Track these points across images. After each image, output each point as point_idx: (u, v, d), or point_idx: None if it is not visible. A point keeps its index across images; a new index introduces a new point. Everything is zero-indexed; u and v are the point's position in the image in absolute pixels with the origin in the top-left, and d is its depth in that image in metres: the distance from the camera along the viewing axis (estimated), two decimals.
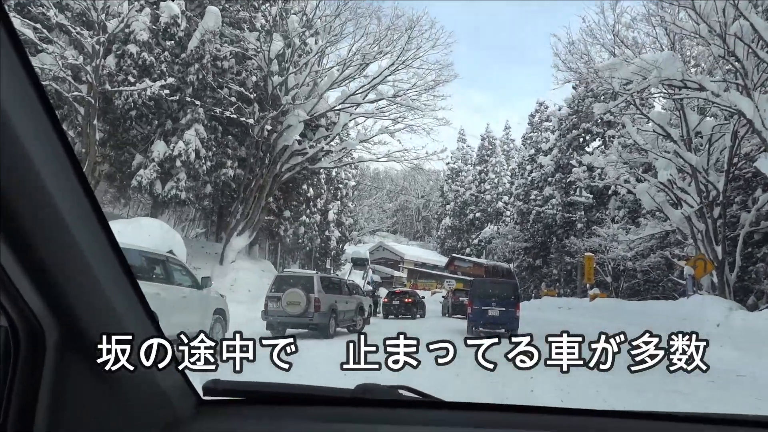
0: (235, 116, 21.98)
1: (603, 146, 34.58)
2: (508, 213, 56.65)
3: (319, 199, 60.00)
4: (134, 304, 1.13)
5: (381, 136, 31.53)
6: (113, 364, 1.05)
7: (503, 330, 14.58)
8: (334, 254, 58.67)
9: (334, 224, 58.99)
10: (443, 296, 34.83)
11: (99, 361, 1.04)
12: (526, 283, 46.24)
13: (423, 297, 29.36)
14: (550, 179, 41.06)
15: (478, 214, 76.76)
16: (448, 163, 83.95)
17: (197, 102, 21.75)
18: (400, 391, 1.47)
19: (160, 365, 1.17)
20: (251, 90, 23.66)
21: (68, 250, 0.92)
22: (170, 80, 19.63)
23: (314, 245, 57.65)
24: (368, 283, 57.86)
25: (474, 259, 58.23)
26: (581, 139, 40.55)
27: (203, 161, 21.66)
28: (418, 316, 26.39)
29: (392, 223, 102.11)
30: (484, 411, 1.45)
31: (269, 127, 24.38)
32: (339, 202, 61.51)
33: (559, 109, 41.74)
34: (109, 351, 1.04)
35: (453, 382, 7.25)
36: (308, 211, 58.46)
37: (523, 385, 7.47)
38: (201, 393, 1.39)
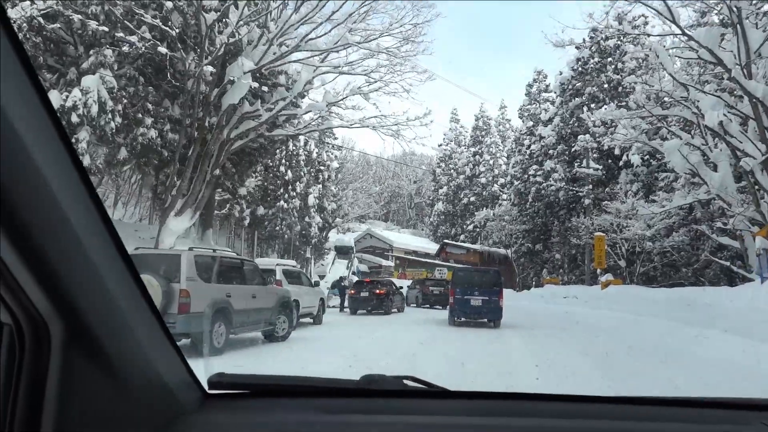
0: (151, 54, 17.01)
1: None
2: (504, 196, 51.84)
3: (298, 183, 55.14)
4: (138, 299, 1.11)
5: (354, 100, 26.58)
6: (118, 360, 1.06)
7: (486, 320, 14.90)
8: (315, 242, 53.90)
9: (315, 209, 54.15)
10: (408, 285, 31.13)
11: (103, 357, 1.04)
12: (525, 270, 41.67)
13: (401, 287, 24.49)
14: (551, 151, 36.28)
15: (472, 199, 72.07)
16: (440, 145, 79.20)
17: (103, 40, 16.84)
18: (406, 381, 1.47)
19: (165, 360, 1.20)
20: (177, 28, 18.69)
21: (71, 247, 0.91)
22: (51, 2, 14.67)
23: (293, 233, 52.87)
24: (353, 273, 53.17)
25: (467, 245, 53.56)
26: (586, 108, 35.71)
27: (110, 116, 16.75)
28: (394, 310, 21.74)
29: (383, 210, 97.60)
30: (490, 399, 1.47)
31: (208, 77, 19.50)
32: (320, 186, 56.69)
33: (560, 74, 36.86)
34: (112, 346, 1.04)
35: (459, 371, 7.62)
36: (286, 195, 53.61)
37: (528, 374, 7.63)
38: (206, 386, 1.37)
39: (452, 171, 76.58)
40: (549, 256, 38.39)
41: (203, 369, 1.42)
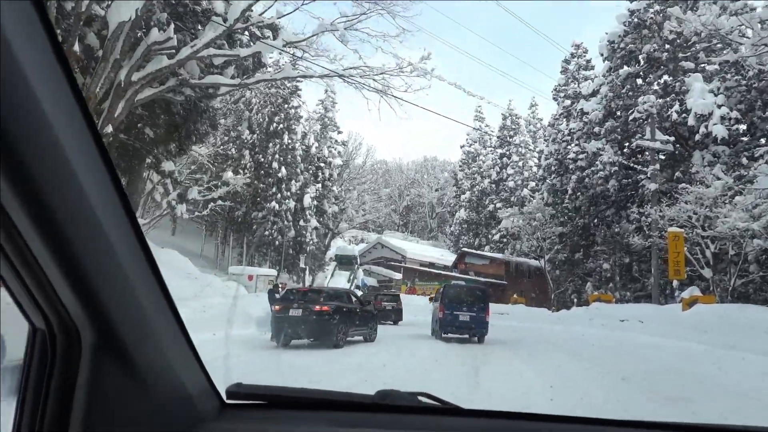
0: None
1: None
2: (536, 196, 43.41)
3: (294, 181, 47.73)
4: (164, 308, 1.14)
5: (328, 45, 18.88)
6: (144, 367, 1.09)
7: (472, 334, 15.55)
8: (312, 250, 46.31)
9: (312, 212, 46.63)
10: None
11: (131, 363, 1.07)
12: (562, 285, 33.11)
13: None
14: (597, 129, 27.96)
15: (499, 205, 63.59)
16: (462, 147, 71.31)
17: None
18: (420, 397, 1.48)
19: (188, 368, 1.23)
20: None
21: (104, 256, 0.95)
22: None
23: (285, 239, 45.37)
24: (358, 286, 45.21)
25: (490, 254, 45.22)
26: (642, 75, 27.34)
27: None
28: (357, 337, 13.81)
29: (402, 220, 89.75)
30: (504, 419, 1.46)
31: None
32: (320, 186, 49.23)
33: (606, 34, 28.66)
34: (139, 354, 1.08)
35: (474, 389, 7.49)
36: (279, 195, 46.25)
37: (543, 394, 7.42)
38: (224, 396, 1.39)
39: (476, 175, 68.50)
40: (594, 265, 29.91)
41: (222, 379, 1.43)
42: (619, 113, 27.34)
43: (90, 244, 0.90)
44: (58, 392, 0.99)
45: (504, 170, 66.44)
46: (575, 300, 29.26)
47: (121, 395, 1.06)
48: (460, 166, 71.21)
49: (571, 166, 29.96)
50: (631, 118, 24.62)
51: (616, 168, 26.20)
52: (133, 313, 1.05)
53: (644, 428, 1.39)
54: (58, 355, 1.00)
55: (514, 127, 69.51)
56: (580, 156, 29.19)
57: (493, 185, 66.49)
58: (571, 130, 30.91)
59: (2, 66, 0.71)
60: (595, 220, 29.52)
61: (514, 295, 34.78)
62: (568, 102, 34.89)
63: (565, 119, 34.45)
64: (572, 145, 30.68)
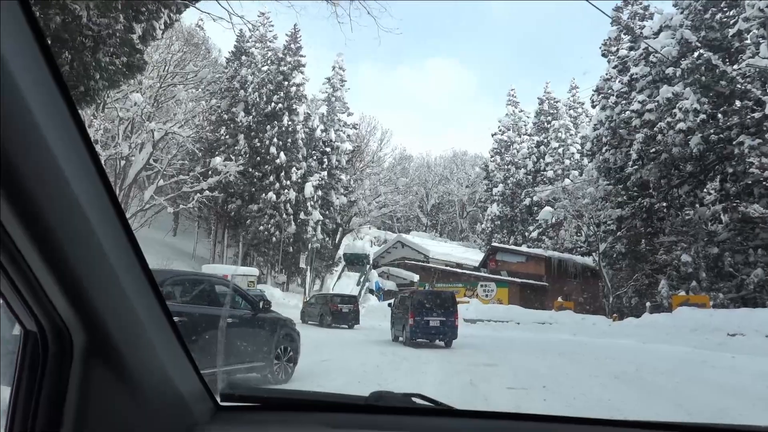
0: None
1: None
2: (584, 175, 35.85)
3: (294, 169, 41.39)
4: (157, 311, 1.14)
5: None
6: (136, 370, 1.09)
7: (442, 339, 15.71)
8: (315, 248, 39.81)
9: (315, 203, 40.16)
10: (306, 300, 26.89)
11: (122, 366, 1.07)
12: (622, 286, 25.63)
13: None
14: (671, 71, 20.54)
15: (536, 198, 56.02)
16: (494, 134, 63.94)
17: None
18: (414, 399, 1.48)
19: (181, 371, 1.22)
20: None
21: (96, 259, 0.95)
22: None
23: (284, 235, 39.00)
24: (371, 290, 38.50)
25: (527, 249, 37.71)
26: None
27: None
28: None
29: (431, 220, 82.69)
30: (497, 419, 1.47)
31: None
32: (326, 174, 42.77)
33: None
34: (131, 356, 1.07)
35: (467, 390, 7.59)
36: (278, 185, 39.95)
37: (536, 394, 7.38)
38: (218, 398, 1.39)
39: (510, 165, 61.07)
40: (668, 258, 22.36)
41: (216, 382, 1.43)
42: (694, 49, 19.86)
43: (81, 247, 0.90)
44: (50, 395, 0.99)
45: (541, 159, 58.95)
46: (641, 304, 21.78)
47: (113, 398, 1.05)
48: (491, 156, 63.85)
49: (634, 122, 22.53)
50: (731, 33, 17.20)
51: (704, 117, 18.72)
52: (124, 316, 1.03)
53: (638, 428, 1.40)
54: (50, 358, 0.99)
55: (552, 111, 61.96)
56: (648, 107, 21.73)
57: (530, 176, 59.03)
58: (633, 78, 23.47)
59: None
60: (670, 191, 21.97)
61: (559, 299, 27.58)
62: (624, 51, 27.40)
63: (619, 74, 26.99)
64: (634, 95, 23.21)
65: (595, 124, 30.61)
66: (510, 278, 32.67)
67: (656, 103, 21.00)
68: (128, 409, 1.08)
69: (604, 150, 28.42)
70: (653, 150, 21.23)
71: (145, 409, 1.11)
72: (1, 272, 0.89)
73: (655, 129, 20.99)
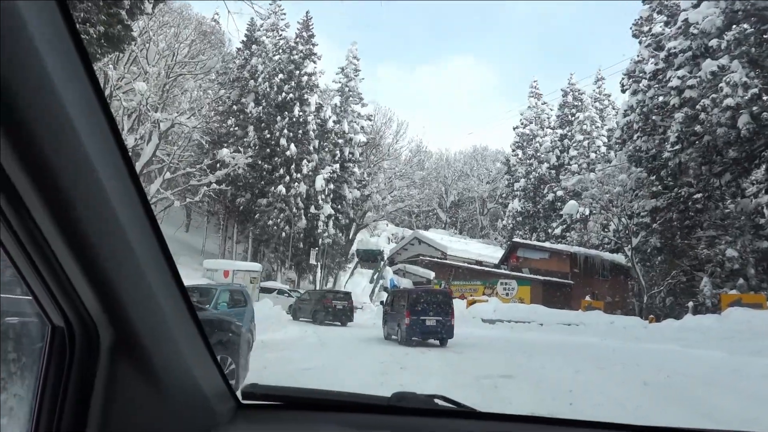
0: None
1: None
2: (615, 161, 33.54)
3: (305, 162, 39.77)
4: (182, 309, 1.14)
5: None
6: (161, 368, 1.09)
7: (437, 338, 15.73)
8: (327, 244, 38.10)
9: (327, 197, 38.47)
10: (299, 296, 25.75)
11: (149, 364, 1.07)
12: (657, 284, 23.42)
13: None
14: (715, 42, 18.27)
15: (559, 193, 53.76)
16: (515, 128, 61.65)
17: None
18: (436, 400, 1.47)
19: (204, 369, 1.23)
20: None
21: (124, 256, 0.95)
22: None
23: (294, 229, 37.38)
24: (386, 288, 36.70)
25: (551, 245, 35.49)
26: None
27: None
28: None
29: (451, 218, 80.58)
30: (520, 422, 1.45)
31: None
32: (338, 166, 41.05)
33: None
34: (157, 354, 1.08)
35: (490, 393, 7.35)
36: (288, 177, 38.37)
37: (562, 398, 7.22)
38: (240, 397, 1.40)
39: (532, 160, 58.79)
40: (710, 253, 20.10)
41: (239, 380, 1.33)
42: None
43: (110, 242, 0.90)
44: (76, 391, 0.99)
45: (565, 153, 56.60)
46: (689, 305, 19.52)
47: (138, 395, 1.05)
48: (513, 151, 61.61)
49: (672, 101, 20.27)
50: None
51: (755, 91, 16.45)
52: (151, 313, 1.04)
53: None
54: (76, 354, 1.00)
55: (576, 103, 59.47)
56: (689, 82, 19.47)
57: (553, 171, 56.76)
58: (670, 53, 21.18)
59: (27, 66, 0.71)
60: (707, 187, 19.72)
61: (587, 298, 25.42)
62: (658, 28, 25.08)
63: (653, 52, 24.70)
64: (671, 74, 20.94)
65: (625, 110, 28.37)
66: (532, 276, 30.57)
67: (698, 79, 18.79)
68: (153, 406, 1.08)
69: (635, 137, 26.18)
70: (694, 132, 18.96)
71: (169, 407, 1.11)
72: (31, 267, 0.88)
73: (697, 108, 18.76)
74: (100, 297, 0.94)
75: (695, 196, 21.12)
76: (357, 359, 11.55)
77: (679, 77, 19.77)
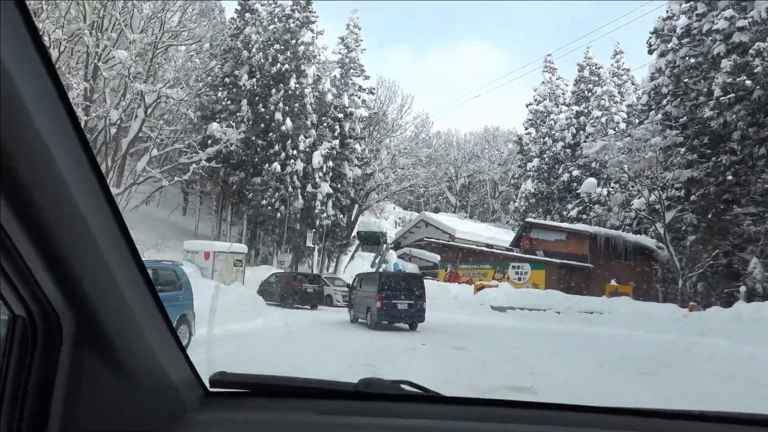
0: None
1: None
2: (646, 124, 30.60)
3: (302, 137, 37.15)
4: (146, 297, 1.13)
5: None
6: (126, 357, 1.08)
7: (408, 322, 15.61)
8: (326, 225, 35.59)
9: (324, 175, 35.88)
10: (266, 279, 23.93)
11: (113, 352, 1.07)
12: (692, 267, 20.69)
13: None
14: None
15: (575, 173, 50.87)
16: (528, 105, 58.52)
17: None
18: (403, 385, 1.49)
19: (170, 357, 1.23)
20: None
21: (86, 244, 0.94)
22: None
23: (290, 210, 34.91)
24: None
25: (567, 225, 32.67)
26: None
27: None
28: None
29: (460, 201, 77.71)
30: (485, 406, 1.47)
31: None
32: (338, 143, 38.40)
33: None
34: (121, 343, 1.07)
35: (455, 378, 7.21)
36: (283, 154, 35.79)
37: (524, 381, 7.17)
38: (208, 384, 1.40)
39: (546, 138, 55.71)
40: (759, 230, 17.26)
41: (205, 368, 1.43)
42: None
43: (70, 230, 0.88)
44: (39, 380, 0.98)
45: (581, 131, 53.39)
46: (740, 290, 16.74)
47: (102, 383, 1.04)
48: (526, 129, 58.48)
49: (716, 49, 17.33)
50: None
51: None
52: (114, 301, 1.02)
53: (621, 414, 1.40)
54: (38, 343, 0.98)
55: (593, 78, 56.14)
56: (739, 24, 16.49)
57: (568, 150, 53.64)
58: None
59: None
60: (752, 154, 16.83)
61: (612, 282, 22.70)
62: None
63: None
64: (713, 18, 17.94)
65: (652, 73, 25.45)
66: (547, 258, 27.91)
67: (750, 19, 15.88)
68: (118, 394, 1.07)
69: (665, 102, 23.24)
70: (742, 86, 16.04)
71: (135, 395, 1.10)
72: None
73: (748, 55, 15.87)
74: (61, 285, 0.91)
75: (738, 166, 18.25)
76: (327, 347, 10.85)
77: (726, 18, 16.84)
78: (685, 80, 22.07)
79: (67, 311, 0.97)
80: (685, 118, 22.03)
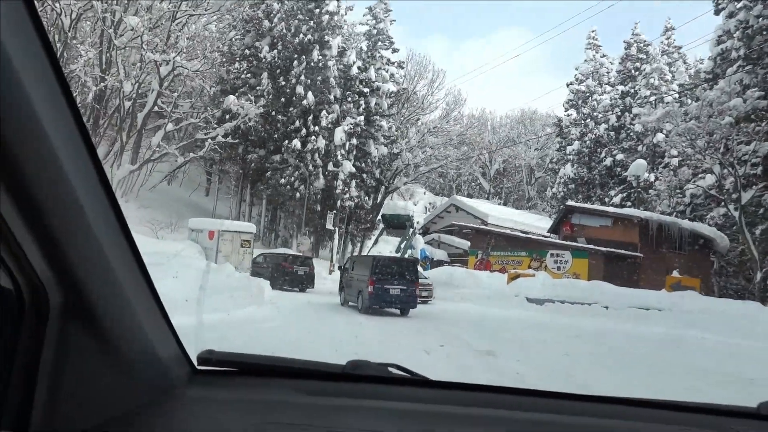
0: None
1: None
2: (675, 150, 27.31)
3: (325, 112, 34.82)
4: (136, 272, 1.12)
5: None
6: (114, 332, 1.08)
7: (399, 308, 15.48)
8: (349, 207, 33.31)
9: (347, 152, 33.53)
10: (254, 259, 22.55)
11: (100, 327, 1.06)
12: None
13: None
14: None
15: (619, 157, 47.42)
16: (569, 84, 54.85)
17: None
18: (390, 369, 1.50)
19: (159, 334, 1.22)
20: None
21: (75, 218, 0.93)
22: None
23: (310, 190, 32.73)
24: (416, 259, 31.99)
25: (613, 210, 29.52)
26: None
27: None
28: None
29: (494, 187, 74.50)
30: (471, 391, 1.48)
31: None
32: (362, 119, 35.97)
33: None
34: (109, 317, 1.06)
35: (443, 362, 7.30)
36: (304, 130, 33.55)
37: (511, 368, 7.16)
38: (195, 362, 1.39)
39: (588, 120, 52.13)
40: None
41: (193, 345, 1.41)
42: None
43: (58, 202, 0.87)
44: (25, 353, 0.96)
45: (627, 112, 49.63)
46: None
47: (90, 359, 1.04)
48: (566, 110, 54.94)
49: None
50: None
51: None
52: (102, 275, 1.01)
53: (605, 403, 1.43)
54: (25, 317, 0.97)
55: (641, 56, 52.19)
56: None
57: (612, 132, 50.13)
58: None
59: None
60: None
61: (674, 274, 19.71)
62: None
63: None
64: None
65: (719, 36, 22.14)
66: (591, 246, 25.01)
67: None
68: (105, 370, 1.06)
69: (736, 68, 20.03)
70: None
71: (122, 370, 1.10)
72: None
73: None
74: (48, 258, 0.90)
75: None
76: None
77: None
78: (760, 43, 18.86)
79: (54, 284, 0.94)
80: (758, 85, 18.83)
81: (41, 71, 0.80)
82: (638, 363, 8.66)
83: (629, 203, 41.66)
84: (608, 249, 24.30)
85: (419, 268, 24.04)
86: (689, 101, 34.43)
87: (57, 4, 27.04)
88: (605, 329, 13.12)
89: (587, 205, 32.61)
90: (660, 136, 44.05)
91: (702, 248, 25.04)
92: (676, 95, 46.19)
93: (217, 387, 1.36)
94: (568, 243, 26.33)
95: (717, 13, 22.70)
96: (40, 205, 0.84)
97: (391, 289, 14.97)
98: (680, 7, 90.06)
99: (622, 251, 24.53)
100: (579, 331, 12.47)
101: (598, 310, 16.26)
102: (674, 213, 29.21)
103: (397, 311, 15.44)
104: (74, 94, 1.22)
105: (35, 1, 0.76)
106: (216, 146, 31.25)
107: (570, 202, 33.44)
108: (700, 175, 23.97)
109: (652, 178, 39.66)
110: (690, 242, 25.02)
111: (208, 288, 11.89)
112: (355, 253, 35.02)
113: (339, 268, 19.42)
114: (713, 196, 23.55)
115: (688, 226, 24.84)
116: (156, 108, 32.31)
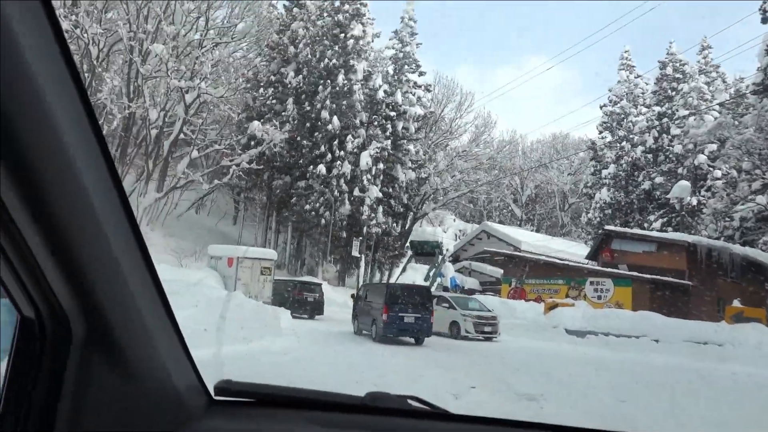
0: None
1: None
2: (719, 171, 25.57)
3: (350, 137, 34.14)
4: (157, 302, 1.12)
5: None
6: (134, 362, 1.08)
7: (414, 336, 15.23)
8: (376, 233, 32.22)
9: (373, 177, 32.61)
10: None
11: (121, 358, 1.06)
12: None
13: None
14: None
15: (658, 180, 45.42)
16: (603, 106, 53.26)
17: None
18: (410, 401, 1.47)
19: (177, 364, 1.22)
20: None
21: (99, 248, 0.94)
22: None
23: (335, 216, 31.84)
24: (446, 288, 30.78)
25: (658, 234, 27.69)
26: None
27: None
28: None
29: (526, 214, 72.63)
30: (492, 425, 1.45)
31: None
32: (389, 143, 35.14)
33: None
34: (130, 348, 1.06)
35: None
36: (330, 156, 32.87)
37: (532, 401, 6.78)
38: (213, 393, 1.38)
39: (624, 142, 50.33)
40: None
41: (211, 376, 1.40)
42: None
43: (84, 233, 0.88)
44: (46, 383, 0.96)
45: (665, 134, 47.72)
46: None
47: (109, 388, 1.04)
48: (600, 133, 53.25)
49: None
50: None
51: None
52: (125, 306, 1.02)
53: None
54: (47, 346, 0.97)
55: (677, 76, 50.46)
56: None
57: (649, 155, 48.18)
58: None
59: (6, 60, 0.71)
60: None
61: (736, 304, 17.91)
62: None
63: None
64: None
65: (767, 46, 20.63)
66: (635, 273, 23.27)
67: None
68: (125, 400, 1.06)
69: None
70: None
71: (142, 402, 1.10)
72: (1, 255, 0.85)
73: None
74: (72, 288, 0.90)
75: None
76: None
77: None
78: None
79: (77, 314, 0.94)
80: None
81: (69, 101, 0.79)
82: (711, 409, 7.24)
83: (670, 228, 39.56)
84: (653, 276, 22.54)
85: (480, 298, 22.69)
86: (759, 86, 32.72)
87: (85, 35, 27.26)
88: (663, 366, 11.60)
89: (628, 230, 30.79)
90: (702, 158, 42.14)
91: (756, 275, 23.07)
92: (717, 114, 44.30)
93: (234, 418, 1.33)
94: (609, 270, 24.63)
95: (764, 21, 21.28)
96: (66, 236, 0.84)
97: (405, 317, 14.76)
98: (711, 24, 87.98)
99: (669, 279, 22.71)
100: (630, 367, 11.00)
101: (648, 344, 14.65)
102: (722, 237, 27.25)
103: (412, 340, 15.15)
104: (100, 122, 1.06)
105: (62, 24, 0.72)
106: (241, 173, 30.82)
107: (609, 227, 31.65)
108: (750, 196, 22.19)
109: (694, 201, 37.68)
110: (743, 269, 23.08)
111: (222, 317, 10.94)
112: (375, 281, 33.86)
113: (351, 296, 18.95)
114: (766, 218, 21.70)
115: (740, 251, 22.93)
116: (182, 135, 32.20)
